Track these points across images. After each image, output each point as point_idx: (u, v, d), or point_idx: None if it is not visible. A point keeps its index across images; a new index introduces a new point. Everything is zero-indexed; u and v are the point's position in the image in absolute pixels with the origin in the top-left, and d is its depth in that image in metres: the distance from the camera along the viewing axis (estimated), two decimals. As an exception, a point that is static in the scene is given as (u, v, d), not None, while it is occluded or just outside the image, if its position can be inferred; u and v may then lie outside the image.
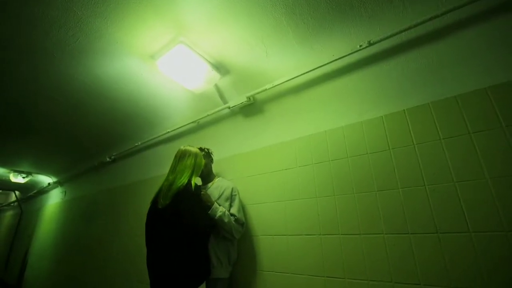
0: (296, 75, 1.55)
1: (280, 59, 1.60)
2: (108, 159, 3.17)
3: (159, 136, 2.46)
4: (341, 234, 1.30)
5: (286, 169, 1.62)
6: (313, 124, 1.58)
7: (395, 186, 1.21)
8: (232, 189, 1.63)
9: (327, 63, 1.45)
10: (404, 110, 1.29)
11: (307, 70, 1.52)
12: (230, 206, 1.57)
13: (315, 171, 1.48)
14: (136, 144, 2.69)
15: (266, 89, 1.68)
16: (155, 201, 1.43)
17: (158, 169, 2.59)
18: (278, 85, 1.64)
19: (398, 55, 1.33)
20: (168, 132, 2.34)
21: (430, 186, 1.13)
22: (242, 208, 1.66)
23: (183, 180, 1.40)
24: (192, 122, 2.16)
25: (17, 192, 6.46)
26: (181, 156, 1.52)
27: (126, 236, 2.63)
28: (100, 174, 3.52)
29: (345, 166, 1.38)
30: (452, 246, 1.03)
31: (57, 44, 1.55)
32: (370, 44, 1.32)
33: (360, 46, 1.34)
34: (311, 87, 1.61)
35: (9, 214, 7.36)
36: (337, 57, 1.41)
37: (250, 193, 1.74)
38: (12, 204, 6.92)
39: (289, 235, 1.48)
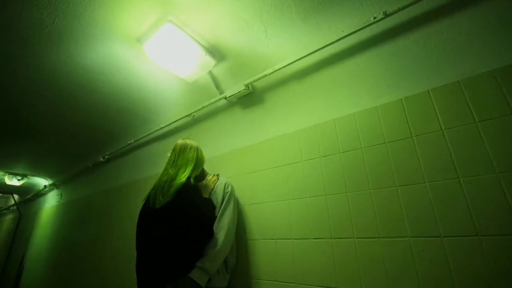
0: (300, 56, 1.37)
1: (282, 40, 1.42)
2: (101, 159, 3.02)
3: (152, 133, 2.29)
4: (356, 238, 1.10)
5: (289, 164, 1.43)
6: (320, 113, 1.40)
7: (421, 180, 1.01)
8: (225, 184, 1.43)
9: (336, 41, 1.26)
10: (428, 90, 1.10)
11: (312, 51, 1.33)
12: (222, 207, 1.35)
13: (324, 165, 1.29)
14: (129, 142, 2.52)
15: (266, 75, 1.50)
16: (150, 200, 1.27)
17: (152, 169, 2.42)
18: (279, 69, 1.46)
19: (419, 27, 1.14)
20: (162, 128, 2.17)
21: (465, 178, 0.93)
22: (237, 211, 1.48)
23: (186, 174, 1.27)
24: (187, 116, 1.99)
25: (16, 196, 6.36)
26: (181, 149, 1.39)
27: (119, 239, 2.46)
28: (94, 175, 3.37)
29: (358, 158, 1.19)
30: (498, 253, 0.83)
31: (32, 27, 1.39)
32: (386, 15, 1.13)
33: (374, 18, 1.15)
34: (317, 71, 1.43)
35: (9, 217, 7.25)
36: (347, 33, 1.22)
37: (249, 192, 1.55)
38: (11, 208, 6.81)
39: (295, 239, 1.29)
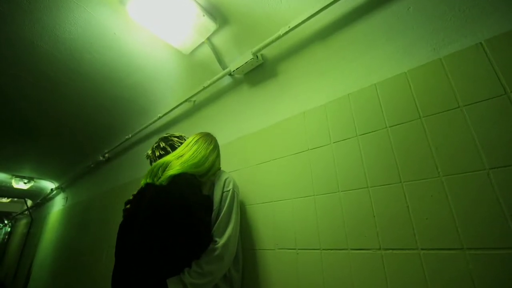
0: (325, 4, 1.04)
1: (299, -11, 1.10)
2: (101, 158, 2.80)
3: (150, 124, 2.02)
4: (422, 249, 0.74)
5: (313, 149, 1.08)
6: (354, 78, 1.05)
7: (533, 158, 0.64)
8: (225, 181, 1.07)
9: (375, -25, 0.92)
10: (527, 25, 0.73)
11: (341, -5, 1.00)
12: (220, 213, 0.99)
13: (362, 146, 0.94)
14: (127, 137, 2.28)
15: (280, 36, 1.17)
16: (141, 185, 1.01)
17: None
18: (296, 26, 1.13)
19: None
20: (160, 117, 1.90)
21: None
22: (243, 213, 1.17)
23: (201, 168, 1.03)
24: (186, 101, 1.70)
25: (29, 201, 6.35)
26: (206, 141, 1.15)
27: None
28: (95, 176, 3.16)
29: (416, 132, 0.83)
30: None
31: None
32: None
33: None
34: (348, 25, 1.08)
35: (23, 222, 7.30)
36: (393, -40, 0.88)
37: (260, 188, 1.22)
38: (25, 213, 6.84)
39: (324, 249, 0.93)
